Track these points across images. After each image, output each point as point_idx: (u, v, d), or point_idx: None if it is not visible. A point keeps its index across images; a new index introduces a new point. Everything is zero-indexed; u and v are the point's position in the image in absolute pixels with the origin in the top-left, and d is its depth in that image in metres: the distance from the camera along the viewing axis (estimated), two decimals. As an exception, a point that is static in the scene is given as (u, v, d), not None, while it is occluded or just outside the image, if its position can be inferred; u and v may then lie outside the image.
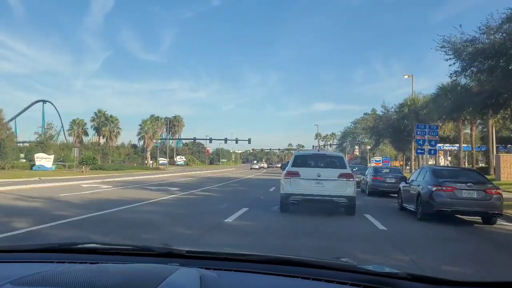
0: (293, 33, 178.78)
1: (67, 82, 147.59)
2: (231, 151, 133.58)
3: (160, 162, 64.55)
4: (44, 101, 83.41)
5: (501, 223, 9.20)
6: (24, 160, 43.72)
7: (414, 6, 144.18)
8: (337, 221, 8.77)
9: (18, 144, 55.77)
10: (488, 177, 14.17)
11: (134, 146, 67.10)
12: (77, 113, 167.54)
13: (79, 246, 1.51)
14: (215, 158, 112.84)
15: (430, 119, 26.72)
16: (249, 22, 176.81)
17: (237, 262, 1.34)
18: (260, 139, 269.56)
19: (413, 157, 38.93)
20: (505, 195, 10.14)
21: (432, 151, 19.04)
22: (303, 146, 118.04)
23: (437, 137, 18.96)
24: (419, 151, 19.33)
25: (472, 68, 15.10)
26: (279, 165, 51.94)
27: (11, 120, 73.16)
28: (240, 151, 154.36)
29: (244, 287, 1.16)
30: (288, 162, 10.92)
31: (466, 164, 38.26)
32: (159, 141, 68.67)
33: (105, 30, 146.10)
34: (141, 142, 63.19)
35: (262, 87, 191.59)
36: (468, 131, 35.19)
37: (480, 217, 9.23)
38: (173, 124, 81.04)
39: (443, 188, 8.99)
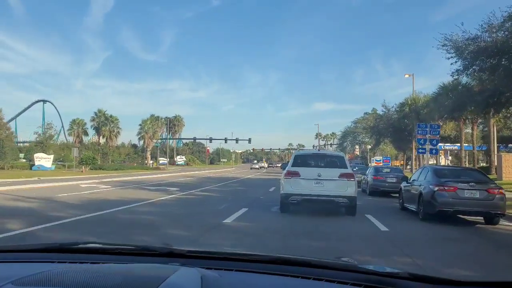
0: (293, 33, 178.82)
1: (67, 82, 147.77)
2: (231, 151, 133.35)
3: (160, 162, 64.41)
4: (44, 101, 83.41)
5: (503, 223, 9.10)
6: (23, 160, 43.62)
7: (414, 5, 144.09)
8: (337, 222, 8.67)
9: (19, 144, 55.79)
10: (490, 176, 14.04)
11: (134, 146, 67.02)
12: (77, 113, 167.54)
13: (80, 246, 1.51)
14: (215, 158, 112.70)
15: (431, 119, 26.59)
16: (249, 22, 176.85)
17: (238, 262, 1.34)
18: (260, 139, 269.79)
19: (414, 157, 38.81)
20: (507, 195, 10.02)
21: (434, 151, 18.89)
22: (303, 146, 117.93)
23: (438, 136, 18.82)
24: (420, 150, 19.17)
25: (474, 67, 14.97)
26: (279, 165, 51.82)
27: (11, 120, 73.17)
28: (240, 151, 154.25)
29: (245, 287, 1.15)
30: (288, 161, 10.80)
31: (467, 163, 38.10)
32: (159, 141, 68.58)
33: (105, 30, 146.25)
34: (141, 142, 63.15)
35: (262, 87, 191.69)
36: (469, 130, 35.05)
37: (482, 218, 9.12)
38: (173, 124, 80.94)
39: (445, 188, 8.90)
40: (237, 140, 66.65)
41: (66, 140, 61.72)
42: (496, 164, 26.17)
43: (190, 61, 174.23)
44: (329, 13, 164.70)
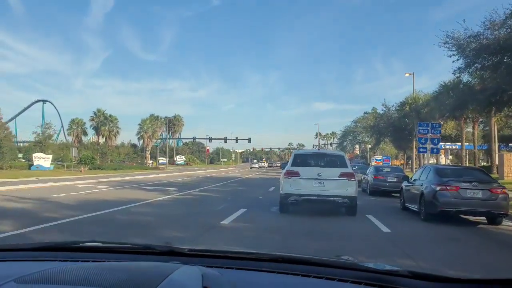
0: (293, 32, 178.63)
1: (67, 81, 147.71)
2: (231, 150, 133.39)
3: (160, 161, 64.21)
4: (44, 101, 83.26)
5: (506, 224, 8.96)
6: (22, 160, 43.45)
7: (415, 5, 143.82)
8: (338, 222, 8.53)
9: (18, 144, 55.63)
10: (491, 176, 13.89)
11: (134, 145, 66.89)
12: (77, 113, 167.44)
13: (81, 244, 1.51)
14: (215, 157, 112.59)
15: (432, 118, 26.43)
16: (249, 22, 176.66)
17: (239, 260, 1.34)
18: (260, 139, 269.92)
19: (414, 156, 38.68)
20: (510, 194, 9.86)
21: (435, 150, 18.70)
22: (303, 145, 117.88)
23: (439, 135, 18.62)
24: (421, 149, 18.97)
25: (476, 65, 14.78)
26: (279, 164, 51.63)
27: (11, 120, 73.06)
28: (240, 151, 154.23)
29: (245, 285, 1.15)
30: (288, 161, 10.66)
31: (467, 163, 37.96)
32: (159, 140, 68.41)
33: (105, 30, 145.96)
34: (141, 142, 63.05)
35: (262, 86, 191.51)
36: (470, 129, 34.90)
37: (485, 218, 9.00)
38: (173, 123, 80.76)
39: (447, 187, 8.77)
40: (236, 140, 66.53)
41: (66, 140, 61.61)
42: (497, 163, 26.00)
43: (190, 61, 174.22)
44: (329, 12, 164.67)
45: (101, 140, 58.56)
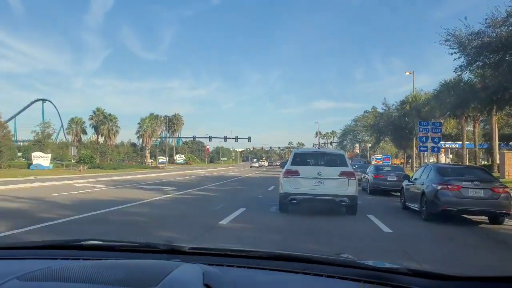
0: (293, 31, 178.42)
1: (67, 80, 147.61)
2: (231, 149, 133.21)
3: (160, 160, 64.07)
4: (43, 100, 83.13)
5: (509, 223, 8.85)
6: (22, 159, 43.32)
7: (415, 3, 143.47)
8: (338, 222, 8.41)
9: (18, 143, 55.53)
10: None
11: (134, 144, 66.80)
12: (77, 112, 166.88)
13: (83, 243, 1.52)
14: (215, 156, 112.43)
15: (432, 116, 26.26)
16: (249, 20, 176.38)
17: (239, 258, 1.35)
18: (260, 138, 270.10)
19: (414, 155, 38.54)
20: (512, 193, 9.75)
21: (435, 149, 18.55)
22: (303, 144, 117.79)
23: (440, 134, 18.47)
24: (421, 148, 18.83)
25: (477, 63, 14.63)
26: (279, 163, 51.48)
27: (10, 119, 73.04)
28: (240, 150, 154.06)
29: (246, 283, 1.15)
30: (287, 160, 10.55)
31: (467, 162, 37.81)
32: (159, 139, 68.27)
33: (105, 29, 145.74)
34: (140, 141, 62.92)
35: (262, 85, 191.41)
36: (470, 128, 34.75)
37: (486, 217, 8.91)
38: (172, 122, 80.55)
39: (449, 186, 8.68)
40: (236, 139, 66.42)
41: (66, 139, 61.48)
42: (498, 162, 25.86)
43: (190, 60, 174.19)
44: (329, 11, 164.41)
45: (101, 139, 58.45)
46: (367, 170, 18.60)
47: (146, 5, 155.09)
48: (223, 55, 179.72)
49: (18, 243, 1.65)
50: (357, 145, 78.96)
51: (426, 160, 26.17)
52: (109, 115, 58.96)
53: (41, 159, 36.95)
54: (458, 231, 7.72)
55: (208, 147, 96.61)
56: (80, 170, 34.63)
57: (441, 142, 22.23)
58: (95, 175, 27.03)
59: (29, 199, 11.42)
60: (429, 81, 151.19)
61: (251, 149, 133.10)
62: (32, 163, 36.49)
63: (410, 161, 46.69)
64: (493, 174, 17.13)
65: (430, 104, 29.35)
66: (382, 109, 44.73)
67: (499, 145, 32.89)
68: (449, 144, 44.70)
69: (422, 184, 9.57)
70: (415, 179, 10.68)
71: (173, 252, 1.39)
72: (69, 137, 61.07)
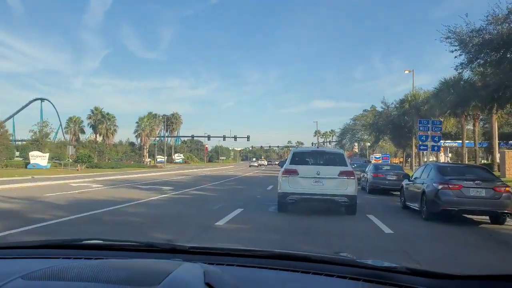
0: (293, 30, 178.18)
1: (66, 80, 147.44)
2: (230, 148, 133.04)
3: (158, 160, 63.86)
4: (42, 99, 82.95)
5: (510, 223, 8.76)
6: (19, 159, 43.08)
7: (414, 2, 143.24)
8: (338, 222, 8.27)
9: (16, 143, 55.27)
10: (492, 174, 13.61)
11: (132, 144, 66.53)
12: (77, 112, 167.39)
13: (84, 242, 1.54)
14: (214, 155, 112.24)
15: (432, 115, 26.15)
16: (248, 19, 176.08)
17: (239, 257, 1.35)
18: (259, 137, 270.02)
19: (413, 154, 38.46)
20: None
21: (436, 148, 18.40)
22: (302, 144, 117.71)
23: (440, 132, 18.32)
24: (421, 147, 18.67)
25: (478, 60, 14.47)
26: (277, 163, 51.31)
27: (9, 118, 72.87)
28: (239, 149, 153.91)
29: (247, 282, 1.16)
30: (286, 159, 10.43)
31: (467, 160, 37.72)
32: (157, 138, 68.04)
33: (104, 28, 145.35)
34: (139, 140, 62.65)
35: (262, 84, 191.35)
36: (470, 127, 34.65)
37: (487, 217, 8.79)
38: (171, 121, 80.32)
39: (450, 186, 8.57)
40: (235, 138, 66.33)
41: (65, 138, 61.27)
42: (498, 161, 25.73)
43: (190, 59, 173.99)
44: (329, 9, 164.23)
45: (99, 139, 58.21)
46: (366, 169, 18.46)
47: (146, 4, 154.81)
48: (223, 54, 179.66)
49: (19, 243, 1.64)
50: (356, 144, 78.88)
51: (425, 159, 26.06)
52: (107, 114, 58.72)
53: (39, 158, 36.71)
54: (459, 231, 7.64)
55: (207, 146, 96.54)
56: (77, 170, 34.41)
57: (441, 141, 22.11)
58: (93, 174, 26.85)
59: (22, 199, 11.22)
60: (429, 80, 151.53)
61: (250, 148, 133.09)
62: (29, 163, 36.26)
63: (409, 160, 46.62)
64: (493, 173, 17.02)
65: (429, 103, 29.23)
66: (381, 108, 44.72)
67: (499, 143, 32.80)
68: (449, 143, 44.60)
69: (423, 184, 9.46)
70: (415, 178, 10.56)
71: (173, 251, 1.39)
72: (68, 137, 60.90)
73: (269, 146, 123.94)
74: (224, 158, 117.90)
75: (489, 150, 32.71)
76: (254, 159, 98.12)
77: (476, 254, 5.87)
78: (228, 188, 18.01)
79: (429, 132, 17.89)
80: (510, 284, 1.09)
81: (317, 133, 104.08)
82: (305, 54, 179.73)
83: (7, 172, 26.24)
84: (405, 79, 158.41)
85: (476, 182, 8.54)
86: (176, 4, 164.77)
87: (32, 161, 36.17)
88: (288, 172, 9.10)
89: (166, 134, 78.42)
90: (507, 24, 13.28)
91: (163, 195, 13.47)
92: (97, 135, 58.69)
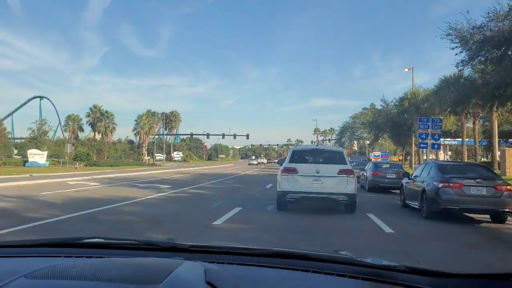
0: (293, 28, 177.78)
1: (65, 78, 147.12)
2: (230, 146, 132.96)
3: (157, 158, 63.71)
4: (41, 97, 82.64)
5: (511, 222, 8.63)
6: (18, 157, 42.91)
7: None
8: (337, 221, 8.17)
9: (15, 141, 55.09)
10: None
11: (131, 142, 66.40)
12: (76, 110, 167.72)
13: (85, 241, 1.54)
14: (213, 154, 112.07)
15: (431, 113, 26.03)
16: (248, 17, 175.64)
17: (239, 255, 1.36)
18: (259, 135, 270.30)
19: (413, 152, 38.36)
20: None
21: (436, 146, 18.28)
22: (301, 142, 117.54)
23: (440, 130, 18.19)
24: (422, 145, 18.54)
25: (479, 57, 14.32)
26: (277, 161, 51.17)
27: (7, 116, 72.66)
28: (238, 147, 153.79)
29: (247, 280, 1.16)
30: (285, 157, 10.35)
31: (466, 159, 37.65)
32: (156, 136, 67.84)
33: (103, 26, 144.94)
34: (137, 138, 62.49)
35: (261, 82, 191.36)
36: (470, 125, 34.54)
37: (488, 215, 8.69)
38: (170, 119, 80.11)
39: (450, 184, 8.48)
40: (234, 136, 66.17)
41: (64, 136, 61.04)
42: (498, 159, 25.62)
43: (189, 57, 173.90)
44: (328, 7, 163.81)
45: (98, 137, 58.05)
46: (366, 167, 18.36)
47: (145, 2, 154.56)
48: (222, 52, 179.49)
49: (20, 241, 1.62)
50: (355, 142, 78.79)
51: (425, 157, 25.95)
52: (106, 112, 58.56)
53: (37, 156, 36.54)
54: (459, 230, 7.57)
55: (206, 144, 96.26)
56: (76, 168, 34.27)
57: (441, 139, 21.99)
58: (91, 172, 26.73)
59: (17, 198, 11.06)
60: (428, 78, 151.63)
61: (250, 147, 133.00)
62: (28, 161, 36.09)
63: (408, 158, 46.54)
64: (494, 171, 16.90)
65: (429, 101, 29.13)
66: (381, 106, 44.64)
67: (499, 141, 32.71)
68: (448, 141, 44.53)
69: (423, 182, 9.37)
70: (415, 176, 10.47)
71: (174, 250, 1.40)
72: (66, 135, 60.68)
73: (269, 144, 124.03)
74: (223, 156, 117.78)
75: (489, 148, 32.59)
76: (253, 157, 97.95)
77: (476, 253, 5.83)
78: (226, 187, 17.88)
79: (429, 130, 17.77)
80: (509, 283, 1.09)
81: (316, 131, 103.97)
82: (304, 52, 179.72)
83: (5, 170, 26.10)
84: (404, 77, 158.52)
85: (477, 180, 8.46)
86: (175, 1, 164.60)
87: (30, 159, 36.01)
88: (287, 170, 9.02)
89: (165, 132, 78.26)
90: (508, 21, 13.14)
91: (160, 194, 13.34)
92: (96, 133, 58.53)
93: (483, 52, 13.90)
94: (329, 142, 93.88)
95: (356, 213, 8.86)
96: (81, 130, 60.97)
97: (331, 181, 8.76)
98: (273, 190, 11.22)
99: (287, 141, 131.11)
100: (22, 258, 1.36)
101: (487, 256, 5.63)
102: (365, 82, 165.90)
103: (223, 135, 67.41)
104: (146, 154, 62.09)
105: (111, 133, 58.53)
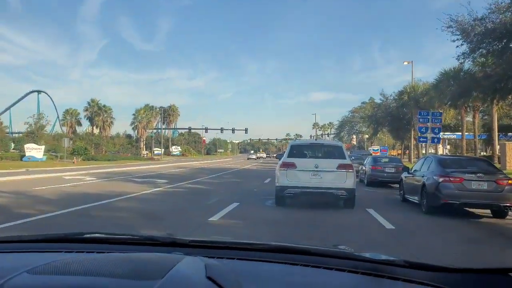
0: (292, 21, 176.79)
1: (64, 72, 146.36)
2: (228, 141, 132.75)
3: (155, 152, 63.51)
4: (38, 92, 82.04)
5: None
6: (15, 151, 42.67)
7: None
8: (336, 216, 8.05)
9: (13, 135, 54.79)
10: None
11: (129, 136, 66.10)
12: (74, 104, 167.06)
13: (86, 236, 1.55)
14: (212, 148, 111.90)
15: (431, 107, 25.87)
16: (247, 10, 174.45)
17: (239, 250, 1.37)
18: (257, 129, 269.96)
19: (412, 146, 38.27)
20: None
21: (436, 139, 18.11)
22: (300, 136, 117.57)
23: (440, 124, 18.01)
24: (421, 139, 18.38)
25: (481, 50, 14.09)
26: (275, 155, 51.04)
27: (5, 110, 72.21)
28: (237, 141, 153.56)
29: (247, 275, 1.16)
30: (284, 152, 10.21)
31: (465, 153, 37.60)
32: (154, 131, 67.57)
33: (102, 19, 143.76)
34: (135, 132, 62.22)
35: (260, 76, 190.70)
36: (469, 118, 34.42)
37: (489, 210, 8.59)
38: (168, 113, 79.77)
39: (451, 179, 8.35)
40: (233, 130, 65.94)
41: (62, 130, 60.74)
42: (499, 153, 25.51)
43: (187, 50, 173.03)
44: (327, 0, 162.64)
45: (96, 131, 57.80)
46: (365, 162, 18.24)
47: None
48: (221, 44, 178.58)
49: (20, 236, 1.61)
50: (354, 136, 78.69)
51: (424, 151, 25.81)
52: (104, 106, 58.26)
53: (34, 151, 36.31)
54: (459, 225, 7.50)
55: (204, 138, 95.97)
56: (73, 162, 34.07)
57: (441, 133, 21.82)
58: (88, 167, 26.55)
59: (10, 193, 10.88)
60: (428, 71, 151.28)
61: (249, 141, 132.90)
62: (25, 155, 35.86)
63: (407, 152, 46.47)
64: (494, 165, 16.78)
65: (429, 94, 28.96)
66: (380, 99, 44.47)
67: (498, 135, 32.62)
68: (447, 135, 44.44)
69: (423, 176, 9.24)
70: (414, 170, 10.34)
71: (174, 245, 1.40)
72: (64, 129, 60.39)
73: (268, 139, 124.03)
74: (222, 150, 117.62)
75: (489, 142, 32.48)
76: (252, 151, 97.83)
77: (477, 248, 5.77)
78: (224, 181, 17.75)
79: (429, 124, 17.60)
80: (507, 277, 1.09)
81: (315, 125, 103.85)
82: (303, 45, 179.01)
83: (2, 165, 25.90)
84: (404, 71, 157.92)
85: (478, 175, 8.34)
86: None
87: (27, 154, 35.78)
88: (286, 165, 8.91)
89: (163, 127, 77.96)
90: (510, 13, 12.91)
91: (157, 189, 13.17)
92: (94, 127, 58.26)
93: (485, 44, 13.67)
94: (328, 136, 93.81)
95: (356, 208, 8.76)
96: (79, 124, 60.76)
97: (330, 176, 8.65)
98: (272, 185, 11.07)
99: (286, 136, 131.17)
100: (22, 253, 1.36)
101: (488, 251, 5.57)
102: (365, 75, 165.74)
103: (222, 130, 67.25)
104: (144, 148, 61.92)
105: (109, 127, 58.35)
